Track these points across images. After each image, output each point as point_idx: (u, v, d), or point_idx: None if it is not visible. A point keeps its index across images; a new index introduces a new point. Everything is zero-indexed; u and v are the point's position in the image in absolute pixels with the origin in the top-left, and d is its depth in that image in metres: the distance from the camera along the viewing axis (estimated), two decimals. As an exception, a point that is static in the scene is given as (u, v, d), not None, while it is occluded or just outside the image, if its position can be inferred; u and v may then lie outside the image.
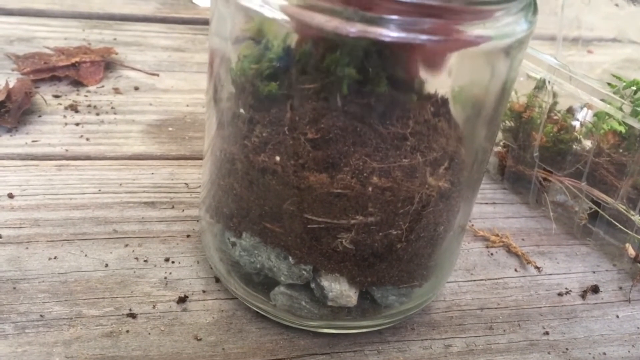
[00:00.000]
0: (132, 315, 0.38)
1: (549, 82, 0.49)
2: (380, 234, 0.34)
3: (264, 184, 0.34)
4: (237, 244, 0.37)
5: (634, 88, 0.46)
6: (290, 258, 0.35)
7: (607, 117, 0.46)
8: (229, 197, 0.36)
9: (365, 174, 0.32)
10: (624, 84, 0.47)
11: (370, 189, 0.32)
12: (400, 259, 0.36)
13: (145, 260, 0.42)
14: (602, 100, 0.46)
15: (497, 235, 0.49)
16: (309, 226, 0.34)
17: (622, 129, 0.46)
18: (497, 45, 0.31)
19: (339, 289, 0.36)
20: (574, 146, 0.50)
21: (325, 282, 0.36)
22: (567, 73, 0.47)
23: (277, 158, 0.33)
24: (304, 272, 0.36)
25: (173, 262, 0.42)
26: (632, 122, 0.45)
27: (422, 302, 0.40)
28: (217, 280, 0.41)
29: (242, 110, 0.34)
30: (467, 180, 0.36)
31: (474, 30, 0.29)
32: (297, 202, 0.33)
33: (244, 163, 0.34)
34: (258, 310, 0.39)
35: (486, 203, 0.53)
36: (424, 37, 0.28)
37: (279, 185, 0.33)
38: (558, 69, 0.48)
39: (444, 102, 0.34)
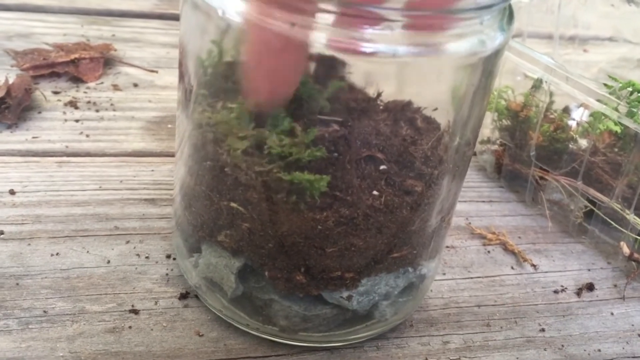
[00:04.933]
0: (135, 312, 0.39)
1: (545, 81, 0.49)
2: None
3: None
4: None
5: (630, 89, 0.47)
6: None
7: (603, 117, 0.47)
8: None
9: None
10: (620, 85, 0.47)
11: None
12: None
13: (147, 257, 0.43)
14: (598, 100, 0.46)
15: (493, 233, 0.50)
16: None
17: (617, 129, 0.46)
18: (472, 57, 0.30)
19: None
20: (570, 145, 0.50)
21: None
22: (564, 73, 0.48)
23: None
24: None
25: (174, 259, 0.43)
26: (627, 122, 0.45)
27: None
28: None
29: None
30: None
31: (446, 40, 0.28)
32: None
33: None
34: (243, 329, 0.38)
35: (483, 201, 0.54)
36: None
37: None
38: (555, 69, 0.48)
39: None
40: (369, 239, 0.33)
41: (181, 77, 0.35)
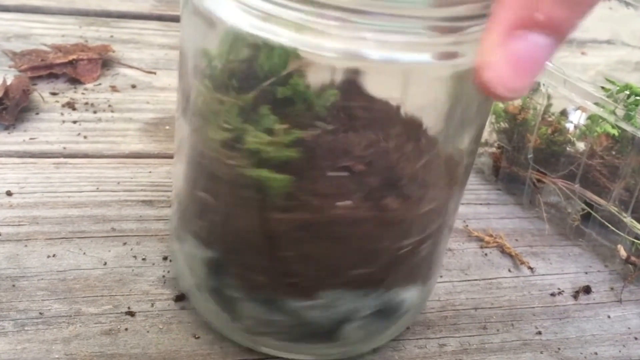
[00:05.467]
0: (131, 313, 0.39)
1: (543, 84, 0.49)
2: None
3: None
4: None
5: (627, 92, 0.47)
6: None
7: (600, 120, 0.47)
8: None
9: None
10: (617, 88, 0.47)
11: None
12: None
13: (144, 259, 0.43)
14: (596, 103, 0.46)
15: (491, 235, 0.50)
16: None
17: (615, 132, 0.47)
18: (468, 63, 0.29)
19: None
20: (567, 148, 0.50)
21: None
22: (561, 76, 0.48)
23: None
24: None
25: (171, 261, 0.43)
26: (625, 125, 0.45)
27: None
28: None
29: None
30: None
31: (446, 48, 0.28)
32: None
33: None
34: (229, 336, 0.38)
35: (480, 204, 0.54)
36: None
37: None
38: (553, 72, 0.48)
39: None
40: (327, 249, 0.32)
41: (181, 80, 0.35)
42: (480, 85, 0.24)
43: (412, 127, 0.31)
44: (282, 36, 0.27)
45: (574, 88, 0.47)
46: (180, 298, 0.40)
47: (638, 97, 0.46)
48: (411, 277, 0.37)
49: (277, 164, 0.30)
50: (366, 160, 0.31)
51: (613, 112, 0.46)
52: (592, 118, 0.48)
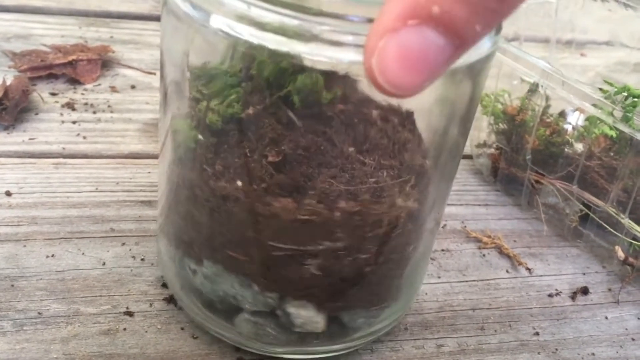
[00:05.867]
0: (129, 314, 0.39)
1: (541, 86, 0.50)
2: (349, 258, 0.33)
3: (226, 211, 0.32)
4: (199, 271, 0.35)
5: (625, 94, 0.47)
6: (255, 286, 0.34)
7: (598, 121, 0.47)
8: (189, 224, 0.35)
9: (332, 198, 0.30)
10: (615, 89, 0.47)
11: (337, 213, 0.31)
12: (369, 283, 0.35)
13: (142, 259, 0.43)
14: (594, 105, 0.46)
15: (489, 236, 0.50)
16: (274, 253, 0.32)
17: (613, 133, 0.47)
18: (460, 64, 0.29)
19: (307, 316, 0.34)
20: (565, 149, 0.50)
21: (292, 309, 0.34)
22: (560, 77, 0.48)
23: (239, 183, 0.31)
24: (269, 299, 0.34)
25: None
26: (622, 127, 0.45)
27: (392, 321, 0.39)
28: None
29: (200, 137, 0.32)
30: (435, 195, 0.35)
31: None
32: (261, 230, 0.32)
33: (204, 190, 0.33)
34: (221, 338, 0.38)
35: (479, 205, 0.54)
36: None
37: (242, 212, 0.32)
38: (551, 73, 0.48)
39: (409, 115, 0.32)
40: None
41: (161, 79, 0.35)
42: (365, 72, 0.21)
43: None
44: (270, 41, 0.27)
45: (572, 89, 0.47)
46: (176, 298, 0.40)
47: (636, 99, 0.46)
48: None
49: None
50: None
51: (611, 114, 0.46)
52: (590, 119, 0.48)
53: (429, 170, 0.34)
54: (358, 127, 0.31)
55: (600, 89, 0.49)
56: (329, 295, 0.34)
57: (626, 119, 0.45)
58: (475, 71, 0.31)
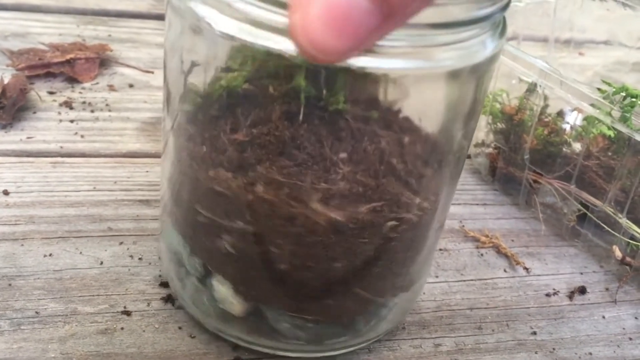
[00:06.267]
0: (127, 313, 0.39)
1: (540, 85, 0.50)
2: (261, 247, 0.33)
3: (186, 172, 0.34)
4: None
5: (623, 94, 0.47)
6: (187, 247, 0.36)
7: (596, 121, 0.47)
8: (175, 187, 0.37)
9: (264, 182, 0.30)
10: (613, 89, 0.47)
11: (251, 196, 0.31)
12: (283, 283, 0.34)
13: (140, 258, 0.43)
14: (592, 105, 0.46)
15: (487, 236, 0.50)
16: (197, 218, 0.34)
17: (611, 133, 0.47)
18: (464, 66, 0.29)
19: (224, 293, 0.35)
20: (563, 149, 0.50)
21: (214, 282, 0.35)
22: (558, 77, 0.48)
23: (203, 148, 0.32)
24: (197, 265, 0.36)
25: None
26: (620, 127, 0.45)
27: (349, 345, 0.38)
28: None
29: (199, 99, 0.33)
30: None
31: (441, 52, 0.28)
32: (190, 191, 0.33)
33: (184, 153, 0.34)
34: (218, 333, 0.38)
35: (477, 204, 0.54)
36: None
37: (191, 175, 0.33)
38: (549, 73, 0.48)
39: (406, 120, 0.32)
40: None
41: (165, 78, 0.35)
42: (289, 30, 0.20)
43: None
44: (269, 39, 0.27)
45: (570, 89, 0.47)
46: (176, 297, 0.40)
47: (634, 99, 0.46)
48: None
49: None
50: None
51: (609, 114, 0.46)
52: (588, 119, 0.48)
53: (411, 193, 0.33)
54: (343, 133, 0.31)
55: (599, 89, 0.49)
56: (243, 279, 0.34)
57: (624, 119, 0.45)
58: (479, 73, 0.31)
